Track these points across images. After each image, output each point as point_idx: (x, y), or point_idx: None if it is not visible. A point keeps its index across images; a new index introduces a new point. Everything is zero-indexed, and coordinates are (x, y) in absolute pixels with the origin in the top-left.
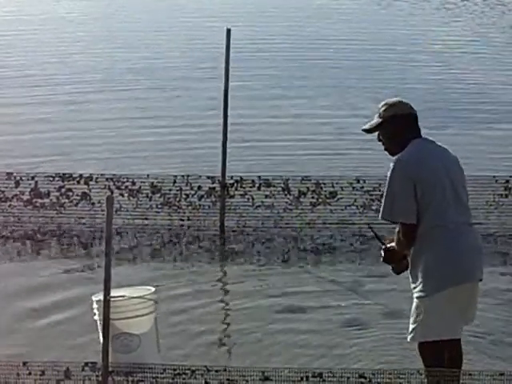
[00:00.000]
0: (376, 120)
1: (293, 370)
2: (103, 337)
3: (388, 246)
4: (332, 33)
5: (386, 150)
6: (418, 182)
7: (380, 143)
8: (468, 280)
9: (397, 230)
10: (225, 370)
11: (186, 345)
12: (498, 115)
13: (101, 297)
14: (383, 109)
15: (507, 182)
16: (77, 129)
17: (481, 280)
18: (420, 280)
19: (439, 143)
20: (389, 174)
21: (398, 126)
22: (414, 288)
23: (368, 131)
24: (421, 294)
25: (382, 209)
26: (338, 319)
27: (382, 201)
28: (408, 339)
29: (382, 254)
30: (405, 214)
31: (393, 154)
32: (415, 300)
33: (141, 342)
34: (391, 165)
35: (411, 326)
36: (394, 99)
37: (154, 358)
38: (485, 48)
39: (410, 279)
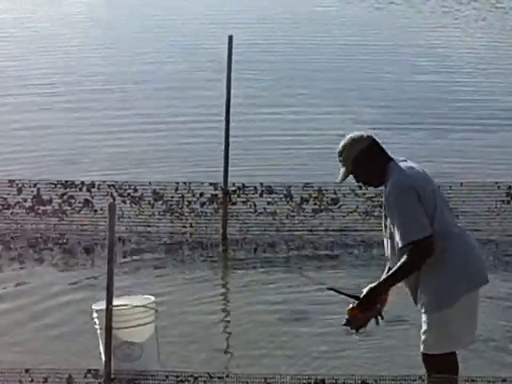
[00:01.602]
0: (343, 169)
1: (295, 376)
2: (105, 344)
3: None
4: (332, 39)
5: (366, 184)
6: (420, 194)
7: (359, 183)
8: (485, 281)
9: (407, 253)
10: (227, 377)
11: (189, 352)
12: (500, 121)
13: (101, 306)
14: (344, 155)
15: (509, 188)
16: (79, 136)
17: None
18: (437, 292)
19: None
20: (392, 200)
21: (367, 162)
22: (428, 301)
23: (343, 179)
24: (438, 304)
25: (403, 235)
26: (340, 326)
27: (399, 228)
28: (423, 350)
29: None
30: (425, 228)
31: (376, 186)
32: (429, 313)
33: (143, 351)
34: (390, 191)
35: (432, 338)
36: (346, 139)
37: (155, 366)
38: (485, 53)
39: (419, 293)
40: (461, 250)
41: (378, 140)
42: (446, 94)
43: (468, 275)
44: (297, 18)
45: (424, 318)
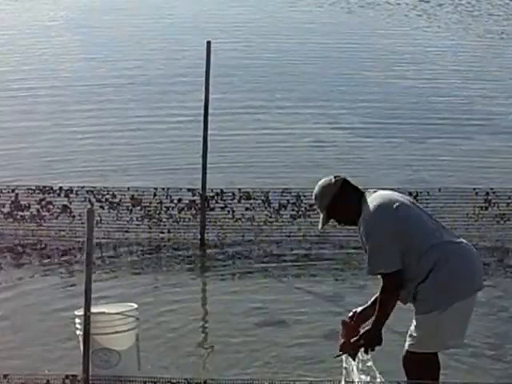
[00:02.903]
0: (322, 215)
1: (273, 381)
2: (84, 350)
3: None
4: (313, 45)
5: (347, 223)
6: (398, 222)
7: (341, 224)
8: (477, 288)
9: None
10: (205, 383)
11: (166, 357)
12: (478, 127)
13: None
14: (318, 204)
15: (487, 194)
16: (57, 141)
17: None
18: (431, 295)
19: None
20: (364, 230)
21: (343, 204)
22: (422, 303)
23: (324, 225)
24: (433, 307)
25: (370, 265)
26: (319, 331)
27: (368, 258)
28: (408, 348)
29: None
30: (395, 262)
31: (356, 223)
32: (425, 315)
33: (121, 358)
34: (363, 223)
35: (420, 339)
36: (317, 188)
37: (134, 373)
38: (465, 57)
39: (412, 297)
40: (453, 261)
41: (347, 178)
42: (425, 99)
43: (462, 285)
44: (275, 22)
45: (416, 317)
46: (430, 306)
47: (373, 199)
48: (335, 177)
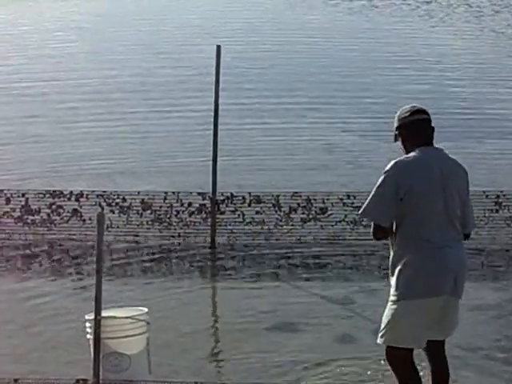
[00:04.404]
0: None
1: None
2: (94, 354)
3: None
4: (322, 48)
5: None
6: (406, 189)
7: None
8: (435, 294)
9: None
10: None
11: (177, 361)
12: (488, 130)
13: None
14: (396, 120)
15: (498, 197)
16: (67, 145)
17: (460, 297)
18: (395, 284)
19: (450, 155)
20: (382, 173)
21: (404, 134)
22: (391, 289)
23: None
24: (393, 297)
25: (363, 208)
26: (329, 335)
27: (367, 200)
28: (378, 341)
29: None
30: (377, 216)
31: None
32: (389, 302)
33: (131, 362)
34: (388, 165)
35: (382, 329)
36: (408, 107)
37: (145, 377)
38: (474, 59)
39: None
40: (423, 258)
41: (427, 124)
42: (435, 103)
43: (414, 283)
44: (285, 28)
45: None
46: (393, 293)
47: (417, 153)
48: (420, 113)
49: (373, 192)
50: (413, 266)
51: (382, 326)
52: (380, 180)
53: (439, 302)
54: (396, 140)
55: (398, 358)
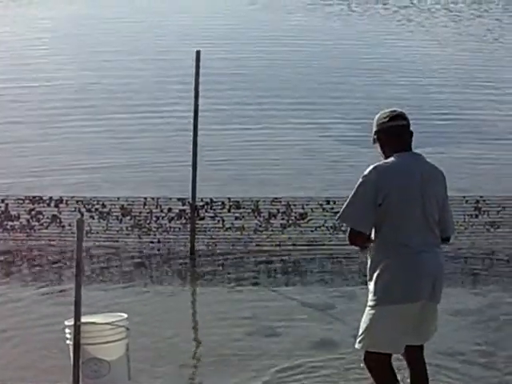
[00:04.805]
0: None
1: None
2: (74, 360)
3: None
4: (301, 53)
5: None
6: (384, 195)
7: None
8: (413, 300)
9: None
10: None
11: (157, 367)
12: (467, 134)
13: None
14: (374, 124)
15: (477, 202)
16: (47, 150)
17: (438, 302)
18: (373, 289)
19: (428, 160)
20: (360, 177)
21: (382, 139)
22: (369, 294)
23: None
24: (371, 303)
25: (341, 212)
26: (309, 340)
27: (344, 205)
28: (356, 346)
29: None
30: (357, 221)
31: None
32: (367, 307)
33: (111, 368)
34: (366, 170)
35: (360, 334)
36: (387, 111)
37: (124, 383)
38: (453, 64)
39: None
40: (400, 264)
41: (405, 130)
42: (414, 108)
43: (391, 289)
44: (265, 33)
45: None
46: (371, 298)
47: (396, 159)
48: (398, 119)
49: (351, 196)
50: (390, 271)
51: (360, 331)
52: (358, 184)
53: (417, 307)
54: (374, 143)
55: (376, 363)
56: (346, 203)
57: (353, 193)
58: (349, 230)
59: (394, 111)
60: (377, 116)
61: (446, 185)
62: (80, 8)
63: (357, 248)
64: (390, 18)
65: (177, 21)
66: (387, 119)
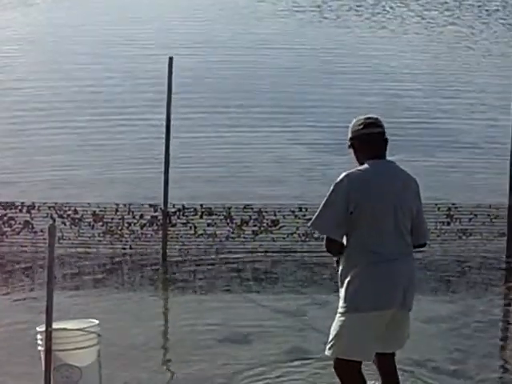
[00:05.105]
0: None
1: None
2: (45, 366)
3: None
4: (273, 60)
5: None
6: (356, 202)
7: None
8: (383, 308)
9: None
10: None
11: (128, 373)
12: (440, 143)
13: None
14: (350, 130)
15: (449, 209)
16: (19, 157)
17: (409, 310)
18: (344, 296)
19: (401, 166)
20: (332, 185)
21: (356, 146)
22: (340, 301)
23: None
24: (341, 310)
25: (313, 219)
26: (280, 347)
27: (317, 211)
28: (326, 352)
29: None
30: (328, 229)
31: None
32: (337, 314)
33: (82, 374)
34: (339, 177)
35: (330, 341)
36: (362, 118)
37: None
38: (426, 71)
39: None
40: (370, 271)
41: (379, 137)
42: (388, 116)
43: (361, 296)
44: (236, 40)
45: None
46: (341, 305)
47: (369, 166)
48: (373, 126)
49: (323, 204)
50: (361, 278)
51: (330, 337)
52: (330, 192)
53: (388, 315)
54: (349, 148)
55: (346, 370)
56: (318, 210)
57: (325, 200)
58: (325, 237)
59: (369, 118)
60: (352, 122)
61: (420, 193)
62: (49, 16)
63: (331, 255)
64: (363, 25)
65: (147, 28)
66: (362, 126)
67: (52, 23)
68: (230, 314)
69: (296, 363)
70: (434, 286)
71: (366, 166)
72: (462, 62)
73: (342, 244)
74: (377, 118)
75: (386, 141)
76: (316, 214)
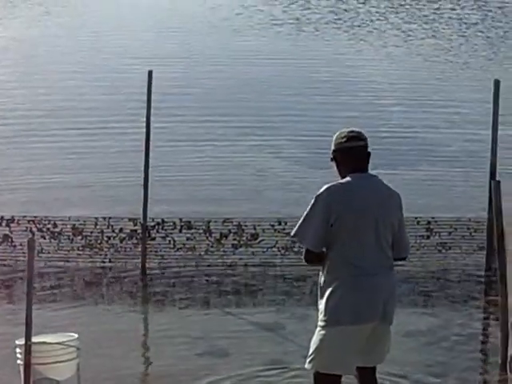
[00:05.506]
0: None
1: None
2: (24, 380)
3: None
4: (252, 73)
5: None
6: (337, 215)
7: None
8: (363, 322)
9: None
10: None
11: None
12: (419, 156)
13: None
14: (332, 143)
15: (429, 223)
16: None
17: (390, 324)
18: (323, 309)
19: (383, 181)
20: (313, 197)
21: (338, 159)
22: (320, 315)
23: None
24: (321, 323)
25: (295, 229)
26: (260, 361)
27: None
28: (306, 366)
29: None
30: (308, 240)
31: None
32: (317, 328)
33: None
34: (320, 190)
35: (310, 354)
36: (345, 131)
37: None
38: (405, 84)
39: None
40: (351, 285)
41: (362, 151)
42: (368, 129)
43: (341, 310)
44: (215, 53)
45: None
46: (321, 318)
47: (351, 179)
48: (355, 140)
49: (304, 215)
50: (342, 291)
51: (311, 351)
52: (311, 204)
53: (368, 329)
54: (332, 161)
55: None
56: (299, 221)
57: (306, 212)
58: (304, 248)
59: (352, 131)
60: (335, 135)
61: (402, 206)
62: (29, 28)
63: (311, 268)
64: (341, 38)
65: (129, 40)
66: (345, 139)
67: (30, 36)
68: (209, 327)
69: (275, 374)
70: (413, 300)
71: (348, 178)
72: (441, 74)
73: (321, 255)
74: (360, 132)
75: (368, 154)
76: (298, 224)
